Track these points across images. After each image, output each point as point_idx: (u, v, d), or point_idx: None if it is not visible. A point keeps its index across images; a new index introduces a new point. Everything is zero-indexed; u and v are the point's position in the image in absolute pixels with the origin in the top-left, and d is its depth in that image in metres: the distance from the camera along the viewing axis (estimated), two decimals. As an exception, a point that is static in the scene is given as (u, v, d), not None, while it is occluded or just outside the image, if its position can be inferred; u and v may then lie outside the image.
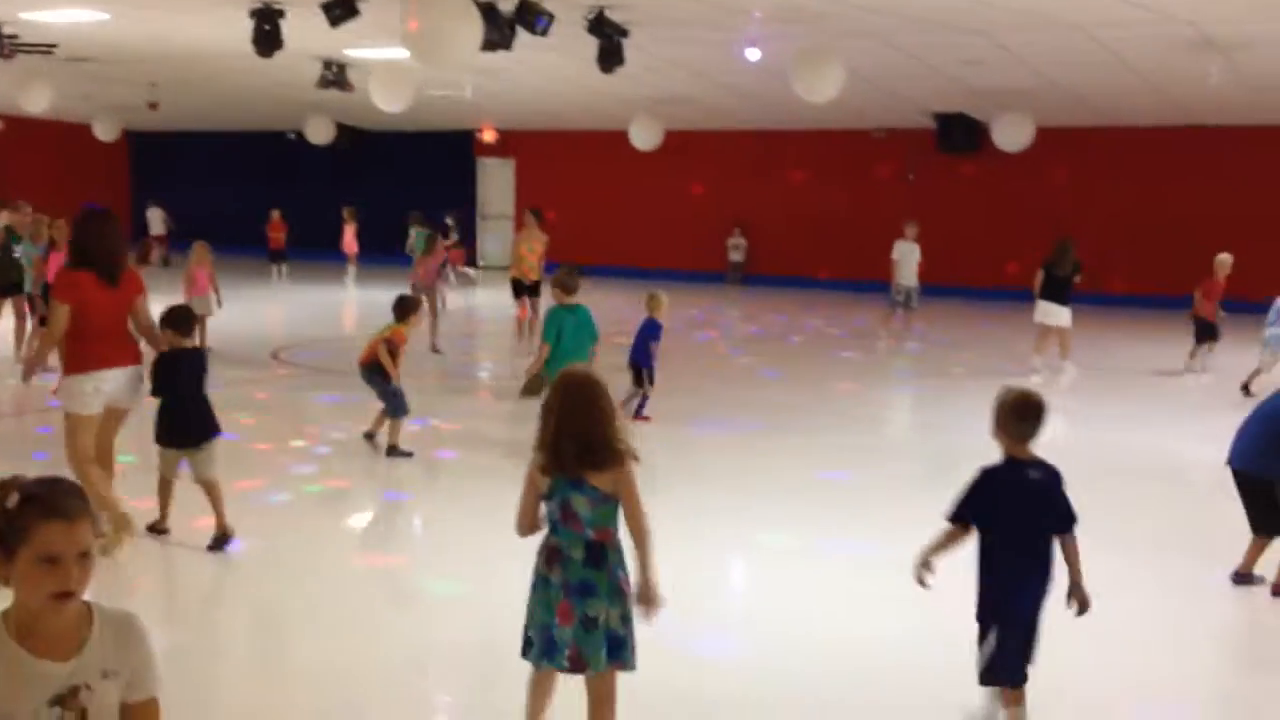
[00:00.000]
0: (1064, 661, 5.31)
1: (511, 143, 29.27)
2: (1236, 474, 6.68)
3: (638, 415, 10.83)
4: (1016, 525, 4.57)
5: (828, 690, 5.28)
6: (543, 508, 4.14)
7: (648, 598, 4.05)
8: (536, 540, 4.21)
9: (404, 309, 9.70)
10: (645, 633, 4.22)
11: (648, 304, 11.24)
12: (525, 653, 4.16)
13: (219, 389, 8.47)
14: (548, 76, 21.04)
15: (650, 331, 11.08)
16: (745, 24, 15.62)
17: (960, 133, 23.34)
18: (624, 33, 15.05)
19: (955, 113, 22.83)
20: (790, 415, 11.71)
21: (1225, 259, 14.69)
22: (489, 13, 12.88)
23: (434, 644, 5.73)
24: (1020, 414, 4.60)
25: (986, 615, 4.60)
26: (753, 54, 16.73)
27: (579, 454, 4.00)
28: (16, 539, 2.45)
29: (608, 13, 14.73)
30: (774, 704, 5.12)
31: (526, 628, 4.15)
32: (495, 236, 30.12)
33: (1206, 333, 14.68)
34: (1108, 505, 8.30)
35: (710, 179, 27.13)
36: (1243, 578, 6.74)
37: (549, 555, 4.09)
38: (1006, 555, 4.56)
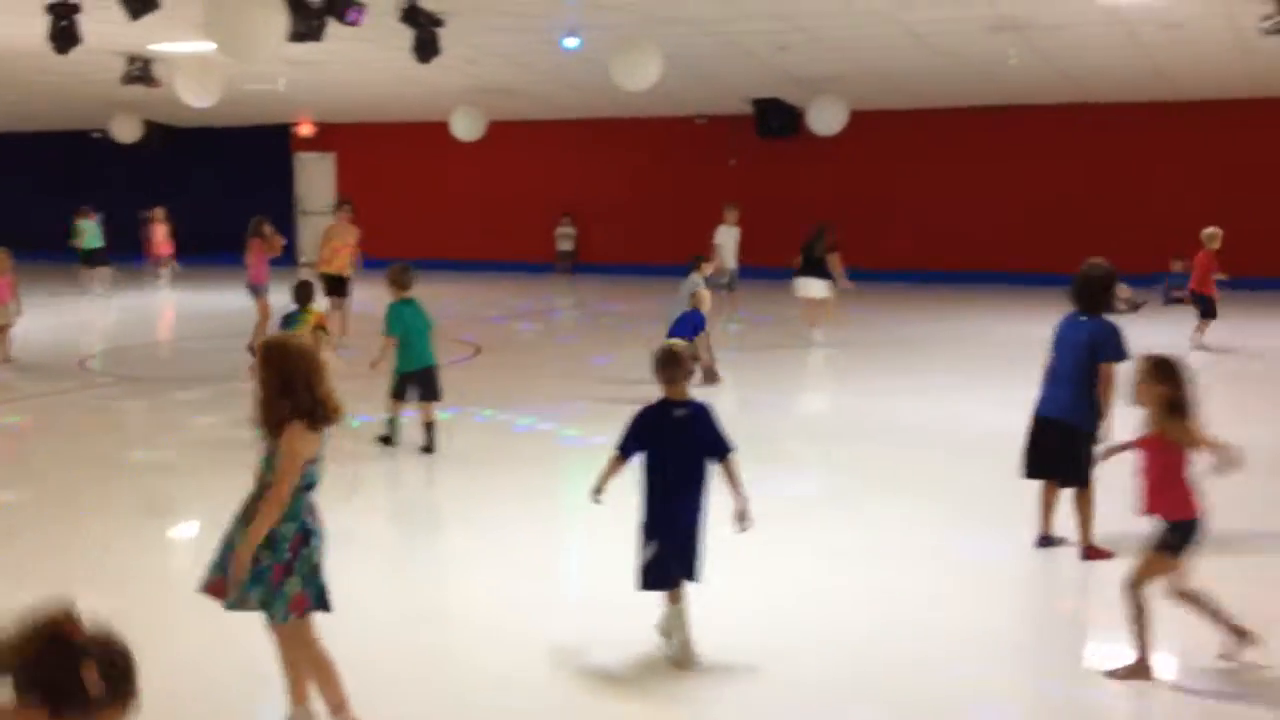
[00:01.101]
0: (882, 614, 5.49)
1: (330, 136, 28.72)
2: (1047, 423, 6.84)
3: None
4: (667, 453, 5.37)
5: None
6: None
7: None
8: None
9: (306, 293, 10.54)
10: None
11: (690, 300, 12.44)
12: (322, 605, 4.47)
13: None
14: (364, 68, 20.68)
15: (697, 320, 12.17)
16: (563, 13, 15.60)
17: (777, 117, 23.78)
18: (438, 23, 14.86)
19: (772, 98, 23.25)
20: (616, 403, 11.77)
21: (1213, 232, 15.17)
22: (296, 4, 12.58)
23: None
24: (661, 364, 5.42)
25: (647, 529, 5.36)
26: (571, 43, 16.71)
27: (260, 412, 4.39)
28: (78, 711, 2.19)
29: (421, 2, 14.52)
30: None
31: (315, 581, 4.43)
32: (316, 232, 29.47)
33: (1206, 308, 15.21)
34: (914, 469, 8.61)
35: (536, 169, 27.09)
36: (1047, 540, 6.98)
37: (312, 509, 4.46)
38: (659, 478, 5.36)
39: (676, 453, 5.36)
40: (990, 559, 6.97)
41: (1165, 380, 5.21)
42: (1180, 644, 5.46)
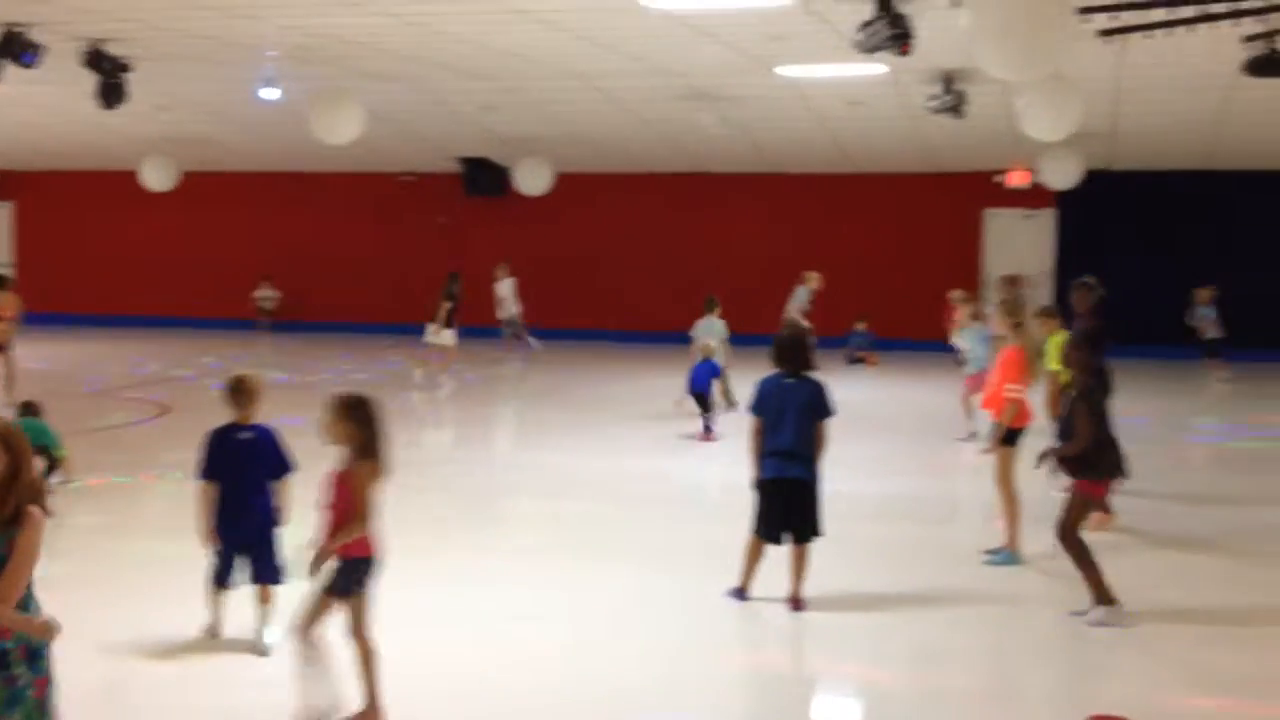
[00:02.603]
0: (586, 668, 5.55)
1: (9, 184, 27.01)
2: (783, 484, 6.97)
3: (706, 434, 13.05)
4: (232, 473, 6.17)
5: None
6: None
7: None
8: None
9: None
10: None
11: (702, 350, 13.99)
12: None
13: None
14: (46, 112, 19.63)
15: (712, 370, 13.61)
16: (260, 62, 15.27)
17: (486, 177, 23.94)
18: (125, 68, 14.28)
19: (480, 157, 23.40)
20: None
21: (956, 294, 16.36)
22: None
23: None
24: (230, 394, 6.22)
25: (215, 537, 6.18)
26: (270, 93, 16.35)
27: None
28: None
29: (106, 46, 13.94)
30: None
31: None
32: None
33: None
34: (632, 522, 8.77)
35: (235, 222, 26.25)
36: (743, 593, 7.13)
37: None
38: (225, 495, 6.16)
39: (238, 471, 6.16)
40: (678, 609, 7.15)
41: (354, 419, 5.22)
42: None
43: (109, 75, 14.26)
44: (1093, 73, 13.93)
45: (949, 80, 14.56)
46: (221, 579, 6.24)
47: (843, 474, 8.53)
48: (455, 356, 18.26)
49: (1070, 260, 22.03)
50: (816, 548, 7.11)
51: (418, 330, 18.77)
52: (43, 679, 3.89)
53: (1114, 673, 6.33)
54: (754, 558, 7.12)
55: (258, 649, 6.13)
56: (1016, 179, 21.93)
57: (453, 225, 25.09)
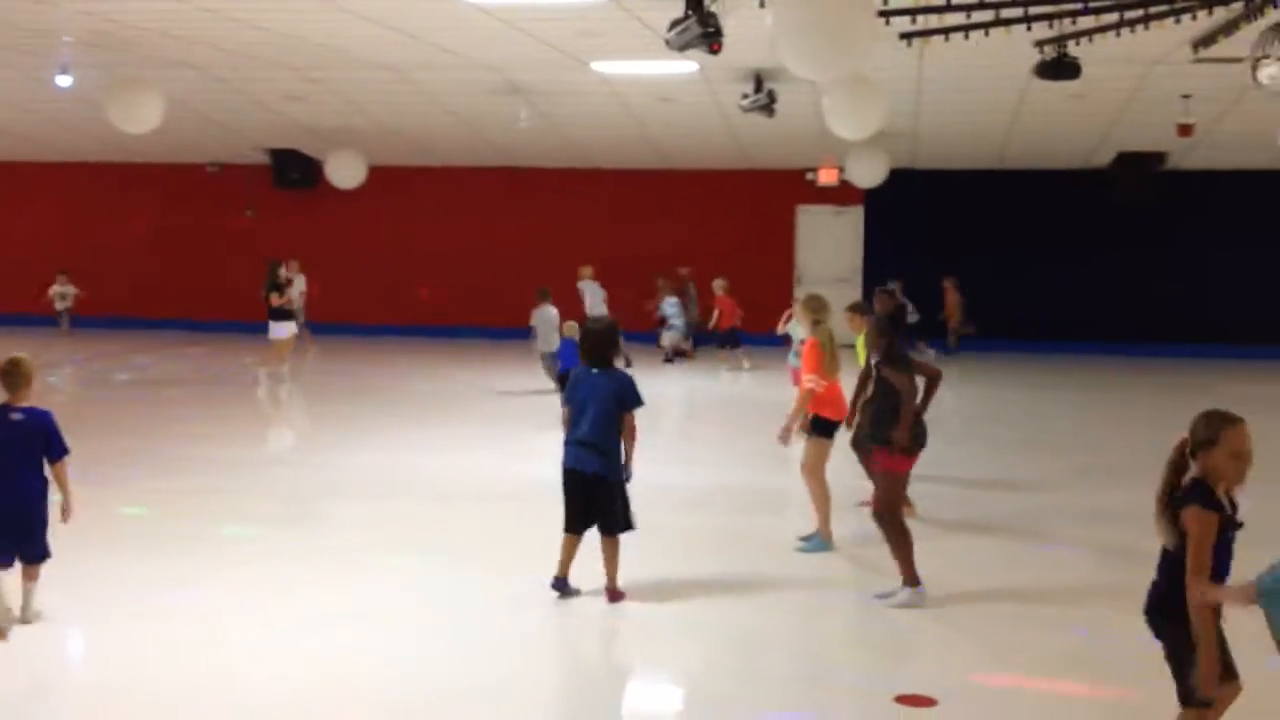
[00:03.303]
0: (404, 665, 5.47)
1: None
2: (582, 477, 7.01)
3: None
4: (6, 454, 6.37)
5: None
6: None
7: None
8: None
9: None
10: None
11: (564, 329, 15.22)
12: None
13: None
14: None
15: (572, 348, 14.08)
16: (54, 49, 14.59)
17: (296, 169, 23.38)
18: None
19: (289, 149, 22.84)
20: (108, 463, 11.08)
21: (720, 282, 20.08)
22: None
23: None
24: (2, 376, 6.49)
25: None
26: (64, 81, 15.64)
27: None
28: None
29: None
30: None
31: None
32: None
33: (731, 340, 19.76)
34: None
35: (33, 215, 25.04)
36: (563, 583, 7.13)
37: None
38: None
39: (10, 453, 6.36)
40: (498, 605, 7.13)
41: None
42: None
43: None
44: (895, 73, 14.42)
45: (759, 79, 14.86)
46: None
47: (660, 465, 8.63)
48: (284, 352, 17.25)
49: (877, 256, 22.80)
50: (634, 538, 7.17)
51: (227, 327, 18.25)
52: None
53: (919, 653, 6.57)
54: (567, 547, 7.15)
55: (24, 618, 6.38)
56: (826, 176, 22.52)
57: (259, 217, 24.42)
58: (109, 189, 24.81)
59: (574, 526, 7.11)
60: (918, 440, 7.29)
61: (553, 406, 12.95)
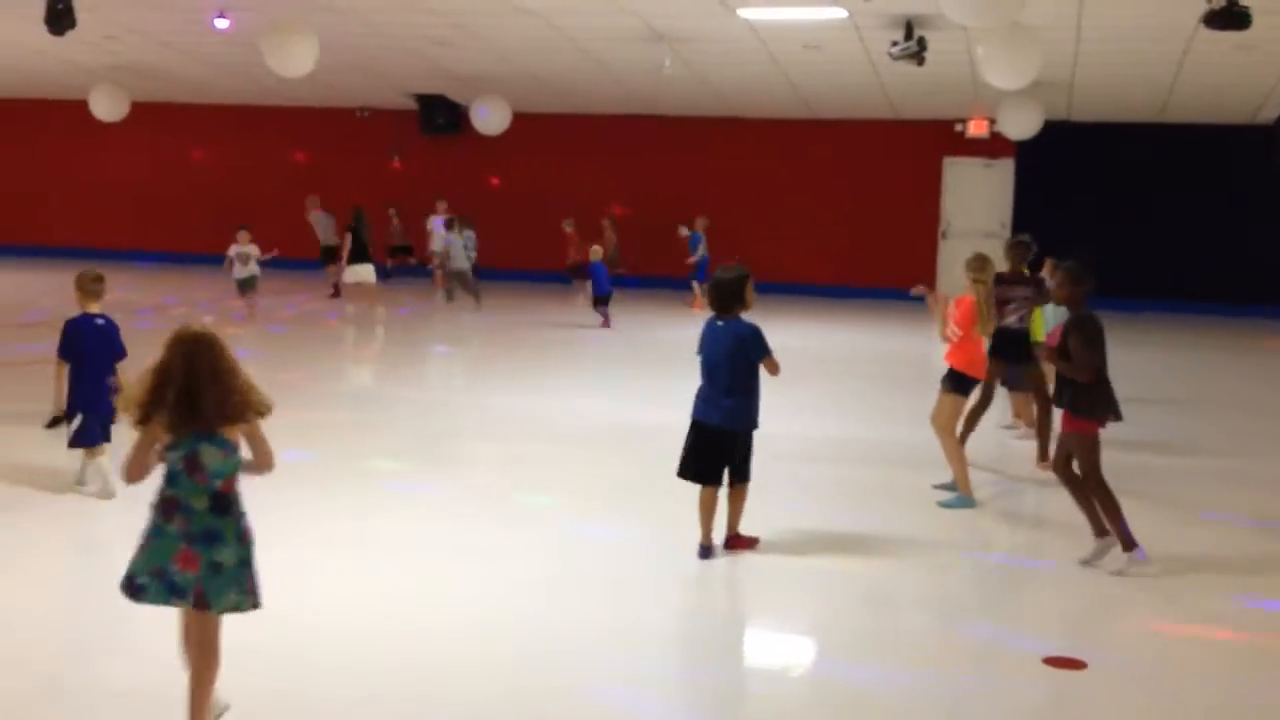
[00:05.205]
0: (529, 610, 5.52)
1: (-47, 111, 26.41)
2: (706, 429, 6.92)
3: (605, 323, 17.71)
4: (92, 355, 7.61)
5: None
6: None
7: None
8: None
9: None
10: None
11: (591, 253, 18.45)
12: (137, 596, 4.29)
13: None
14: (-9, 38, 19.17)
15: (601, 270, 18.06)
16: (213, -8, 14.99)
17: (442, 114, 23.65)
18: (73, -8, 13.92)
19: (436, 94, 23.09)
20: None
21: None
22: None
23: None
24: (88, 284, 7.76)
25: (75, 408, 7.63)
26: (222, 23, 16.05)
27: (213, 409, 4.25)
28: None
29: (55, -30, 13.58)
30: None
31: (134, 575, 4.28)
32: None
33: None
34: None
35: (186, 155, 25.81)
36: (707, 550, 7.00)
37: (166, 506, 4.29)
38: (87, 373, 7.57)
39: (100, 353, 7.62)
40: (642, 553, 7.16)
41: None
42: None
43: (58, 1, 13.90)
44: (1054, 21, 13.92)
45: (910, 26, 14.48)
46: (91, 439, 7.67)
47: (791, 415, 8.54)
48: (378, 293, 18.60)
49: (1026, 211, 22.16)
50: (765, 487, 7.12)
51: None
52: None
53: (1065, 616, 6.39)
54: (704, 502, 7.01)
55: (107, 492, 7.61)
56: (976, 127, 21.95)
57: (405, 162, 24.80)
58: (261, 131, 25.41)
59: (705, 477, 7.00)
60: (1110, 408, 6.87)
61: (677, 353, 12.94)
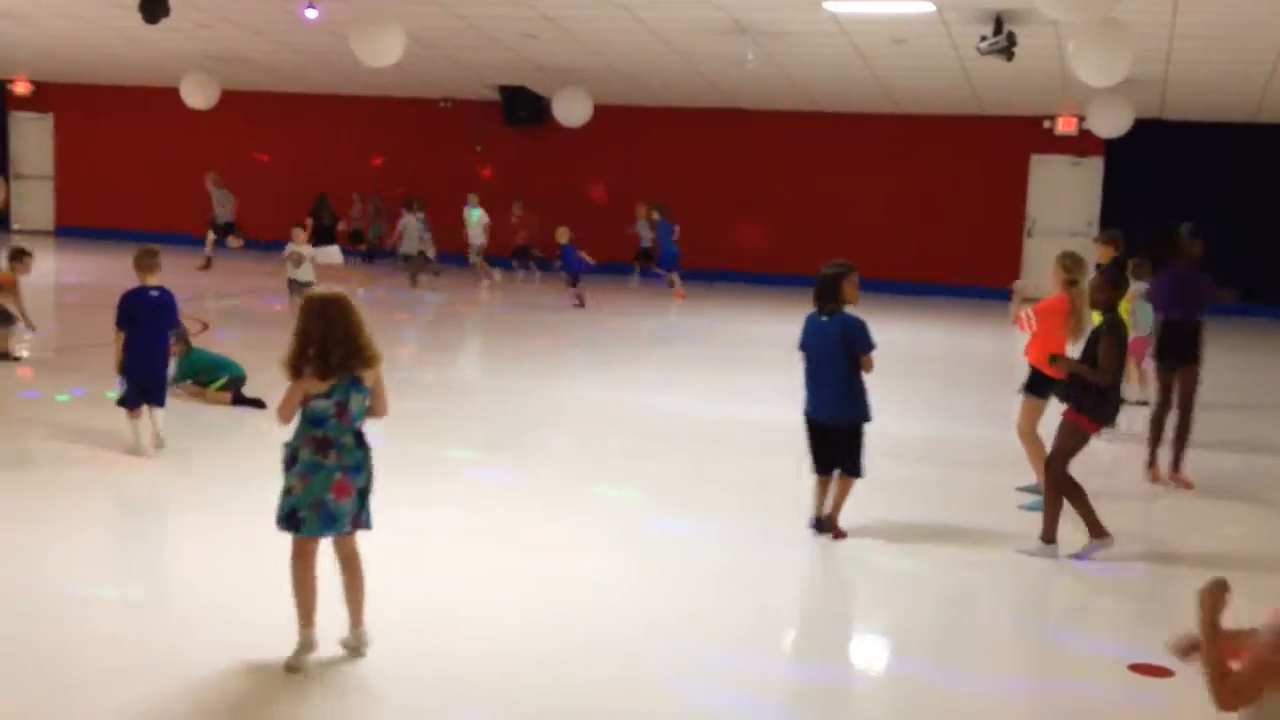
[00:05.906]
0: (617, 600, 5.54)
1: (49, 96, 27.01)
2: (817, 423, 7.11)
3: (579, 302, 18.51)
4: (148, 322, 8.21)
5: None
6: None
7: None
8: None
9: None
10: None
11: (558, 234, 18.98)
12: (298, 528, 4.96)
13: None
14: (84, 24, 19.56)
15: (571, 251, 18.71)
16: (304, -18, 15.17)
17: (524, 106, 23.73)
18: (169, -19, 14.19)
19: (519, 86, 23.18)
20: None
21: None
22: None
23: None
24: (145, 259, 8.35)
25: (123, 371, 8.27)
26: (312, 13, 16.26)
27: (349, 357, 4.91)
28: None
29: (150, -41, 13.85)
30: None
31: (296, 508, 4.93)
32: (33, 198, 27.70)
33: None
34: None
35: (273, 143, 26.17)
36: (818, 521, 7.19)
37: (320, 445, 4.95)
38: (138, 340, 8.11)
39: (154, 322, 8.26)
40: (718, 547, 7.14)
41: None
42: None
43: (152, -12, 14.17)
44: (1147, 18, 13.64)
45: (999, 20, 14.27)
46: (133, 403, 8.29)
47: (881, 414, 8.42)
48: (346, 273, 18.21)
49: (1115, 210, 21.73)
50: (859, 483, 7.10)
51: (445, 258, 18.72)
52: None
53: (1150, 621, 6.27)
54: (816, 488, 7.25)
55: (157, 443, 8.40)
56: (1065, 124, 21.60)
57: (487, 153, 24.94)
58: (347, 121, 25.67)
59: (817, 468, 7.22)
60: (1114, 415, 7.17)
61: (756, 351, 12.87)
